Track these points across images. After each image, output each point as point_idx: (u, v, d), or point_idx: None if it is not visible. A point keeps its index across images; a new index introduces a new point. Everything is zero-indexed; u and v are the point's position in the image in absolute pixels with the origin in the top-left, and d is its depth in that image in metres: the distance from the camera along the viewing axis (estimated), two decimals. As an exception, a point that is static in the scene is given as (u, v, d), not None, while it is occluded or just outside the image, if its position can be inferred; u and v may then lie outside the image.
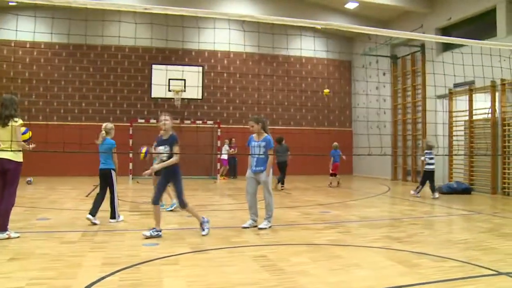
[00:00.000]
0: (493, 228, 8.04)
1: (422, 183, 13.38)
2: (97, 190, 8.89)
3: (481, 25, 15.16)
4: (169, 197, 10.24)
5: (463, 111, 15.43)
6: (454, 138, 15.79)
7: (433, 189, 13.10)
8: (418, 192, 13.29)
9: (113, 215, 8.56)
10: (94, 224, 8.09)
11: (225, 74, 21.71)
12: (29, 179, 16.31)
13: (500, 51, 12.80)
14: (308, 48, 21.26)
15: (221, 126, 20.18)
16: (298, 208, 10.85)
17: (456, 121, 15.93)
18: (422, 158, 13.81)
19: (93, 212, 8.21)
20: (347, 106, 23.38)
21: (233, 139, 20.19)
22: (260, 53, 21.67)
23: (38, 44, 19.63)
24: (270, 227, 7.92)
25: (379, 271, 5.27)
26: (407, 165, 19.26)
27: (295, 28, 20.68)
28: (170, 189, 9.65)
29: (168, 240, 6.90)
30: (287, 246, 6.69)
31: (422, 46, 17.80)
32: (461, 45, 15.25)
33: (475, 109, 14.98)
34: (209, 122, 20.30)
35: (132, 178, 19.07)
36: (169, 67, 19.34)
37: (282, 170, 15.13)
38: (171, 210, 9.92)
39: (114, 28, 19.15)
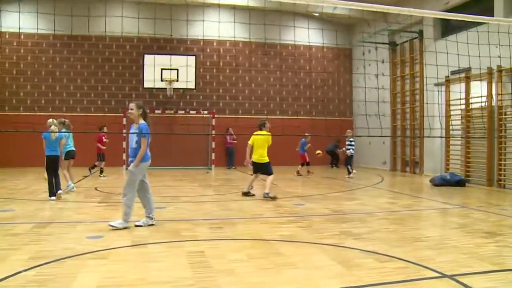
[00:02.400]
0: (467, 224, 7.52)
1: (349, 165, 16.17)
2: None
3: (478, 9, 14.42)
4: (64, 179, 11.01)
5: (460, 99, 14.76)
6: (451, 127, 15.14)
7: (349, 170, 16.05)
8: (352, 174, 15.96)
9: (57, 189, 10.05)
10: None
11: (221, 64, 21.26)
12: None
13: (498, 37, 12.18)
14: (306, 36, 20.69)
15: (215, 116, 19.80)
16: (277, 200, 10.46)
17: (453, 109, 15.25)
18: (344, 149, 16.59)
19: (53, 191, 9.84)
20: (347, 96, 22.74)
21: (230, 128, 19.81)
22: (257, 41, 21.16)
23: (32, 35, 19.46)
24: (124, 228, 6.88)
25: (312, 272, 4.87)
26: (406, 155, 18.62)
27: (292, 15, 20.22)
28: (65, 172, 11.15)
29: (115, 233, 6.71)
30: (233, 241, 6.35)
31: (420, 32, 17.10)
32: (460, 31, 14.66)
33: (472, 97, 14.30)
34: (203, 112, 19.93)
35: (126, 169, 18.85)
36: (161, 56, 19.09)
37: None
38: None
39: (109, 18, 18.87)
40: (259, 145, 10.64)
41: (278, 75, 21.77)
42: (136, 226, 7.05)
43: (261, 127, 10.66)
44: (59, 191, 10.08)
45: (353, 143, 16.37)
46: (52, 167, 10.01)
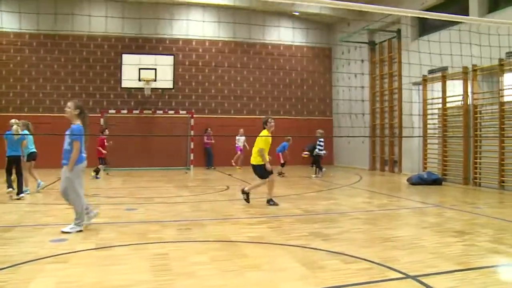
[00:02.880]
0: (438, 223, 7.50)
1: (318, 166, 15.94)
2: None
3: (454, 9, 14.51)
4: (32, 178, 11.29)
5: (435, 98, 14.82)
6: (429, 126, 15.20)
7: (317, 171, 15.95)
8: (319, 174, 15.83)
9: (20, 191, 10.14)
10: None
11: (200, 63, 21.07)
12: None
13: (473, 37, 12.26)
14: (286, 35, 20.66)
15: (194, 116, 19.63)
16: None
17: (431, 108, 15.30)
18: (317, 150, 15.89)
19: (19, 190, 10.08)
20: (327, 95, 22.71)
21: (209, 128, 19.66)
22: (237, 41, 21.06)
23: (7, 34, 19.13)
24: (79, 231, 6.74)
25: (275, 274, 4.78)
26: (385, 154, 18.65)
27: (273, 15, 20.18)
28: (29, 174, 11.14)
29: (80, 235, 6.60)
30: (199, 243, 6.23)
31: (398, 31, 17.14)
32: (436, 31, 14.73)
33: (449, 96, 14.35)
34: (182, 112, 19.74)
35: (104, 170, 18.62)
36: (139, 56, 18.89)
37: None
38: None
39: (86, 17, 18.61)
40: (255, 144, 9.52)
41: (257, 75, 21.66)
42: (63, 232, 6.66)
43: (263, 125, 9.59)
44: (23, 193, 10.20)
45: (322, 143, 15.80)
46: (13, 167, 10.09)
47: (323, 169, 15.95)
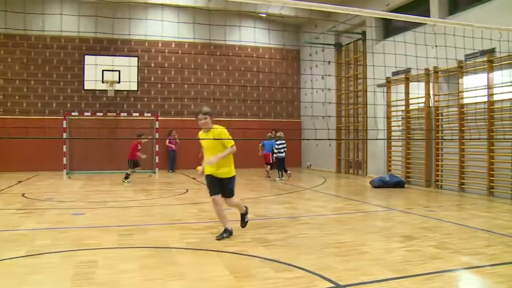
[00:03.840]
0: (387, 228, 7.35)
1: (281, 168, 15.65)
2: None
3: (416, 11, 14.47)
4: None
5: (398, 100, 14.78)
6: (393, 128, 15.13)
7: (280, 174, 15.65)
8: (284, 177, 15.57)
9: None
10: None
11: (166, 65, 20.74)
12: None
13: (435, 39, 12.19)
14: (254, 37, 20.39)
15: (160, 118, 19.30)
16: (203, 204, 10.09)
17: (394, 110, 15.24)
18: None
19: None
20: (295, 97, 22.58)
21: (174, 131, 19.32)
22: (203, 42, 20.79)
23: (-35, 33, 18.57)
24: None
25: (197, 284, 4.54)
26: (350, 157, 18.57)
27: (240, 16, 19.93)
28: None
29: (13, 242, 6.29)
30: (134, 249, 5.96)
31: (363, 33, 17.09)
32: (400, 33, 14.69)
33: (411, 98, 14.31)
34: (146, 114, 19.39)
35: (67, 173, 18.19)
36: (103, 57, 18.45)
37: None
38: None
39: (50, 17, 18.15)
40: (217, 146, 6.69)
41: (224, 76, 21.44)
42: None
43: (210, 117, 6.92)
44: None
45: (281, 146, 15.50)
46: None
47: (288, 172, 15.75)
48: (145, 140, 15.49)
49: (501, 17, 10.76)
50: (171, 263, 5.25)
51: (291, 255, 5.58)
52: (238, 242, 6.33)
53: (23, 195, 11.63)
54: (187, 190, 12.88)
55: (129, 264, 5.20)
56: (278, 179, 15.56)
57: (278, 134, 16.22)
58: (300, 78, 22.44)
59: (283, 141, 15.60)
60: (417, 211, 9.06)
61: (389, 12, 15.04)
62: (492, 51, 11.20)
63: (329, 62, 19.47)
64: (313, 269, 4.96)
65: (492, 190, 11.35)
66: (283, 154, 15.63)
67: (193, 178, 16.37)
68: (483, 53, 11.38)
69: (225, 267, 5.09)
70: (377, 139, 15.05)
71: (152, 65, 20.52)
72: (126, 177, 14.75)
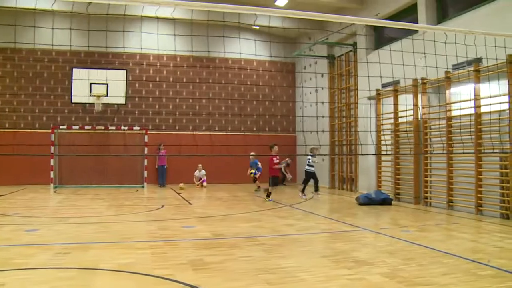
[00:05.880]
0: (344, 251, 6.70)
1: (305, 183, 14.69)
2: None
3: (405, 21, 13.88)
4: None
5: (386, 113, 14.14)
6: (382, 142, 14.44)
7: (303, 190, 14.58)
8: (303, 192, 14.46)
9: None
10: None
11: (157, 78, 20.40)
12: None
13: (424, 48, 11.61)
14: (247, 49, 19.93)
15: (150, 132, 18.91)
16: (168, 221, 9.59)
17: (384, 124, 14.59)
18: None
19: None
20: (290, 111, 22.02)
21: (162, 145, 18.88)
22: (195, 55, 20.40)
23: (-44, 47, 18.49)
24: None
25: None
26: (343, 172, 17.89)
27: (233, 29, 19.53)
28: None
29: None
30: (57, 270, 5.49)
31: (354, 44, 16.53)
32: (392, 42, 14.12)
33: (400, 111, 13.67)
34: (135, 128, 19.02)
35: (54, 187, 17.88)
36: (91, 71, 18.17)
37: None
38: None
39: (42, 31, 17.98)
40: None
41: (217, 90, 21.02)
42: None
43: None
44: None
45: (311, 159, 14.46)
46: None
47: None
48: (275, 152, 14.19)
49: (488, 24, 10.12)
50: (84, 287, 4.75)
51: (216, 281, 5.03)
52: (170, 264, 5.81)
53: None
54: (162, 206, 12.38)
55: (38, 287, 4.75)
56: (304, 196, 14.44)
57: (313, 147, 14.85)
58: (295, 92, 21.91)
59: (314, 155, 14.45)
60: (391, 231, 8.39)
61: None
62: (479, 60, 10.57)
63: (322, 74, 18.92)
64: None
65: (480, 208, 10.61)
66: (313, 169, 14.51)
67: (178, 193, 15.88)
68: (469, 62, 10.74)
69: (131, 293, 4.56)
70: (364, 154, 14.39)
71: (144, 78, 20.21)
72: (268, 195, 13.51)
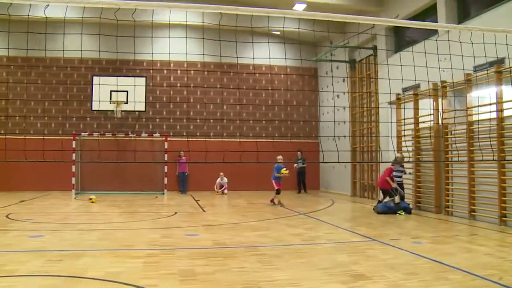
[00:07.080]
0: (345, 264, 6.36)
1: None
2: None
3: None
4: None
5: (406, 118, 13.61)
6: (403, 148, 13.88)
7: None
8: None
9: None
10: None
11: (178, 85, 20.37)
12: None
13: (449, 49, 11.07)
14: (268, 55, 19.60)
15: (169, 139, 18.87)
16: (173, 229, 9.44)
17: (404, 129, 14.06)
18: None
19: None
20: (312, 116, 21.59)
21: (182, 152, 18.77)
22: (216, 62, 20.26)
23: (-16, 57, 18.96)
24: None
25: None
26: (365, 179, 17.35)
27: (254, 34, 19.30)
28: None
29: None
30: (43, 278, 5.40)
31: (375, 48, 16.08)
32: (412, 45, 13.62)
33: (421, 116, 13.15)
34: (155, 135, 19.02)
35: (76, 193, 18.01)
36: (111, 78, 18.23)
37: None
38: None
39: (62, 39, 18.22)
40: None
41: (238, 96, 20.82)
42: None
43: None
44: None
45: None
46: None
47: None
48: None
49: (510, 23, 9.59)
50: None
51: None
52: (159, 274, 5.67)
53: (7, 216, 11.29)
54: (175, 213, 12.25)
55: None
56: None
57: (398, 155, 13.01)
58: (318, 97, 21.52)
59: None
60: (401, 243, 7.95)
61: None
62: (501, 61, 10.01)
63: (343, 79, 18.48)
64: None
65: (504, 218, 10.00)
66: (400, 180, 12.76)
67: (196, 201, 15.71)
68: (491, 64, 10.19)
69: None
70: (381, 161, 13.87)
71: (164, 85, 20.22)
72: (399, 208, 12.11)
